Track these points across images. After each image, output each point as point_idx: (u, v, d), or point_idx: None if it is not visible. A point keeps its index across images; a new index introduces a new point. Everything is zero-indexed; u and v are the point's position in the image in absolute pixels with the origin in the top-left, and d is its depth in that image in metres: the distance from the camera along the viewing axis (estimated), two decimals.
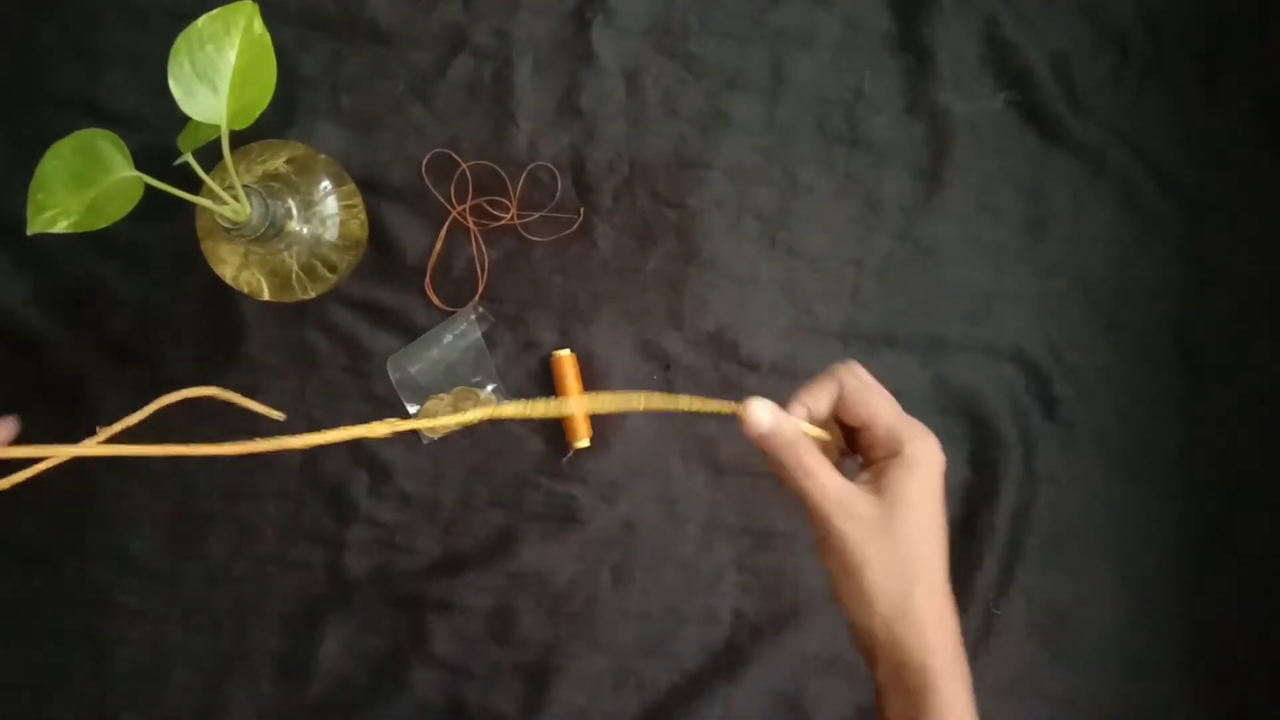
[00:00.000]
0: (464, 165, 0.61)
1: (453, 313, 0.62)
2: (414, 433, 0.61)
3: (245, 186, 0.50)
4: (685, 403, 0.41)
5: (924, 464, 0.39)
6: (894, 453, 0.40)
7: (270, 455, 0.61)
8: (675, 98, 0.62)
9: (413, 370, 0.61)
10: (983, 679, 0.61)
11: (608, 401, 0.42)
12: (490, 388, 0.62)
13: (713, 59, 0.63)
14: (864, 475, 0.41)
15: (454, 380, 0.61)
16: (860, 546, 0.38)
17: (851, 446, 0.43)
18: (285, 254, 0.56)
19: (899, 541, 0.38)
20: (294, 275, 0.56)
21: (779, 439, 0.40)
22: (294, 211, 0.55)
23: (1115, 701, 0.64)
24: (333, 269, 0.57)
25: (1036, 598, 0.63)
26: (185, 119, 0.47)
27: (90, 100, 0.61)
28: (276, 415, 0.46)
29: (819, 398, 0.42)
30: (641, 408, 0.42)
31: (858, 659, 0.62)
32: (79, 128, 0.48)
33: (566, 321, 0.62)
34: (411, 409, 0.61)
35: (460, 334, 0.61)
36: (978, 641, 0.62)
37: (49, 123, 0.62)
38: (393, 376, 0.61)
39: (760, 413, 0.40)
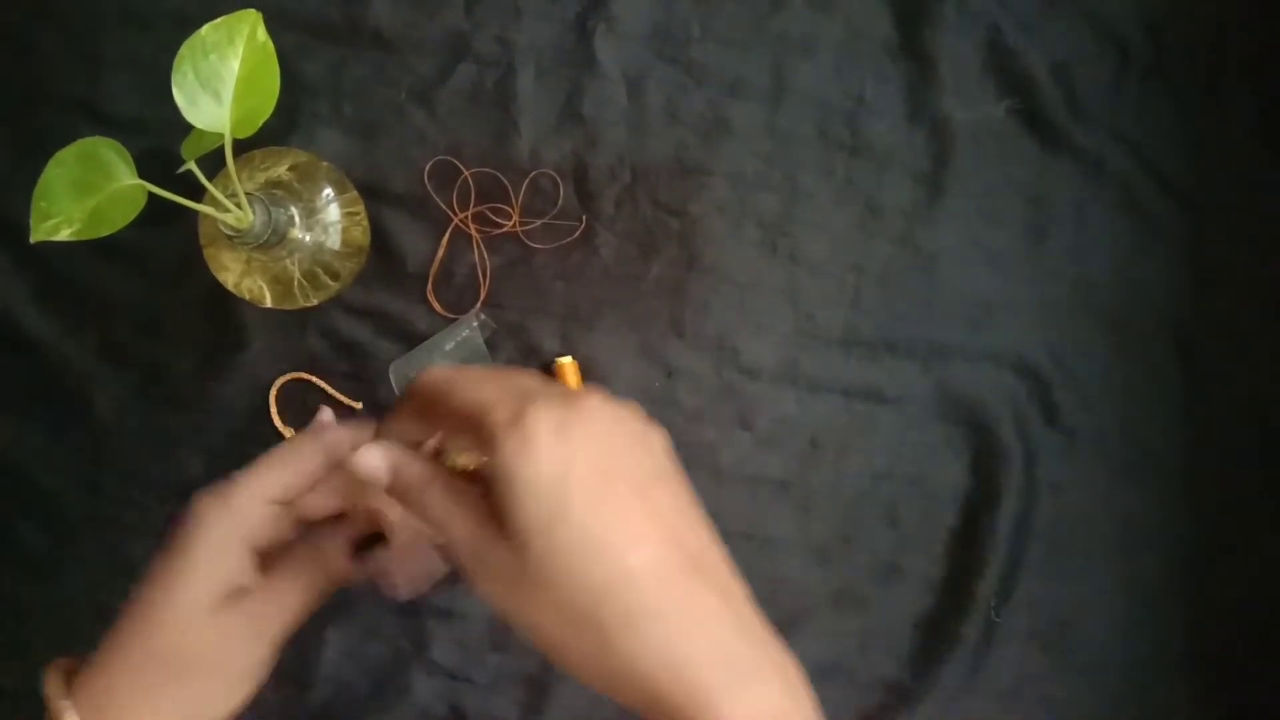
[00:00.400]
0: (466, 172, 0.61)
1: (455, 319, 0.62)
2: None
3: (248, 194, 0.50)
4: None
5: (538, 460, 0.27)
6: (491, 461, 0.28)
7: None
8: (677, 104, 0.62)
9: (415, 377, 0.61)
10: (985, 685, 0.62)
11: None
12: None
13: (714, 66, 0.63)
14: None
15: None
16: (521, 611, 0.28)
17: None
18: (287, 261, 0.56)
19: (552, 586, 0.27)
20: (296, 282, 0.56)
21: (401, 489, 0.31)
22: (296, 219, 0.55)
23: (1117, 707, 0.64)
24: (335, 276, 0.57)
25: (1038, 604, 0.63)
26: (186, 123, 0.47)
27: (91, 104, 0.61)
28: (354, 405, 0.50)
29: (405, 421, 0.33)
30: None
31: (859, 665, 0.62)
32: (80, 131, 0.48)
33: (568, 328, 0.62)
34: None
35: (462, 341, 0.61)
36: (979, 648, 0.62)
37: (50, 126, 0.62)
38: (395, 383, 0.61)
39: (371, 461, 0.32)
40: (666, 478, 0.31)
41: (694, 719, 0.26)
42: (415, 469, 0.31)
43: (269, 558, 0.37)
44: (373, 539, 0.39)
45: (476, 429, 0.28)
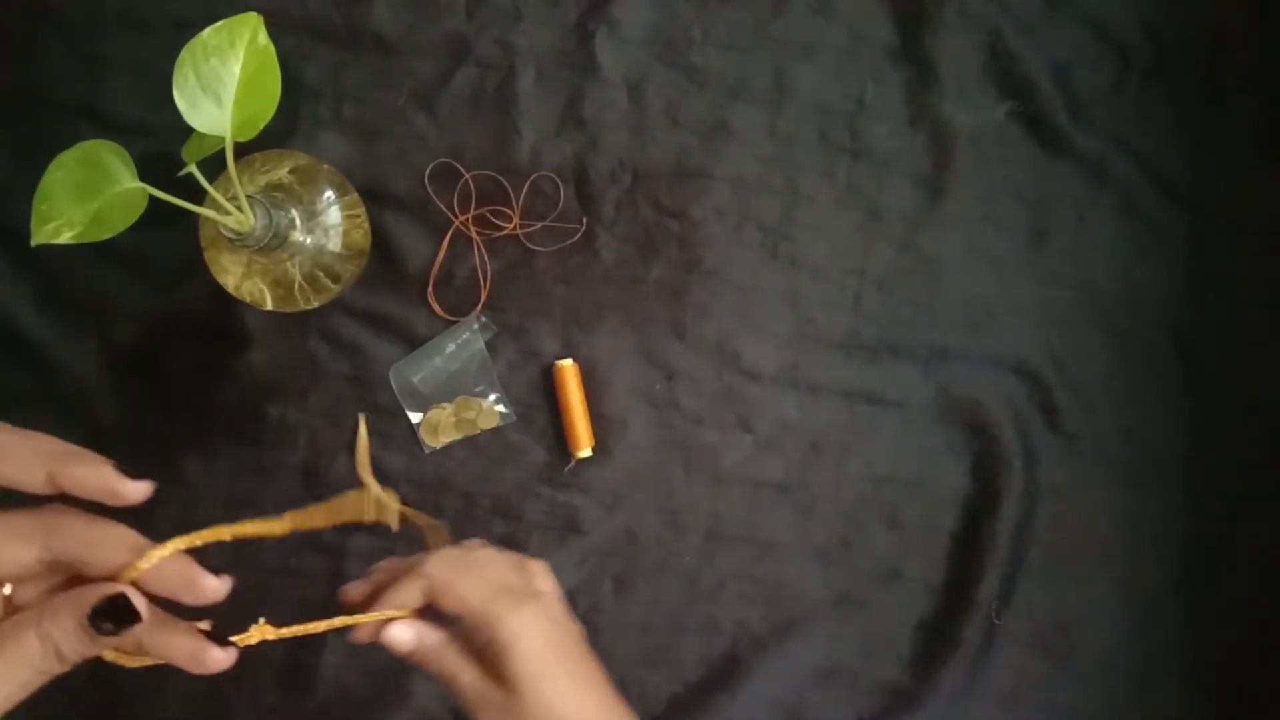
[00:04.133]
0: (467, 175, 0.62)
1: (455, 322, 0.62)
2: (416, 441, 0.61)
3: (249, 197, 0.50)
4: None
5: (524, 637, 0.39)
6: (491, 639, 0.39)
7: (269, 463, 0.62)
8: (678, 108, 0.62)
9: (415, 379, 0.61)
10: (985, 689, 0.62)
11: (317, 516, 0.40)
12: (493, 397, 0.62)
13: (715, 69, 0.63)
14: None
15: (456, 389, 0.61)
16: None
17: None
18: (288, 264, 0.56)
19: (534, 716, 0.38)
20: (297, 285, 0.56)
21: (422, 654, 0.40)
22: (297, 221, 0.55)
23: (1117, 712, 0.63)
24: (336, 278, 0.57)
25: (1039, 608, 0.63)
26: (188, 126, 0.48)
27: (93, 109, 0.61)
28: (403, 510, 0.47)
29: (407, 596, 0.41)
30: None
31: (859, 668, 0.62)
32: (82, 136, 0.48)
33: (569, 331, 0.62)
34: (414, 418, 0.61)
35: (463, 343, 0.61)
36: (979, 652, 0.62)
37: (52, 131, 0.62)
38: (395, 386, 0.61)
39: (403, 636, 0.40)
40: (576, 634, 0.43)
41: None
42: (433, 636, 0.41)
43: None
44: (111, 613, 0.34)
45: (465, 617, 0.40)
